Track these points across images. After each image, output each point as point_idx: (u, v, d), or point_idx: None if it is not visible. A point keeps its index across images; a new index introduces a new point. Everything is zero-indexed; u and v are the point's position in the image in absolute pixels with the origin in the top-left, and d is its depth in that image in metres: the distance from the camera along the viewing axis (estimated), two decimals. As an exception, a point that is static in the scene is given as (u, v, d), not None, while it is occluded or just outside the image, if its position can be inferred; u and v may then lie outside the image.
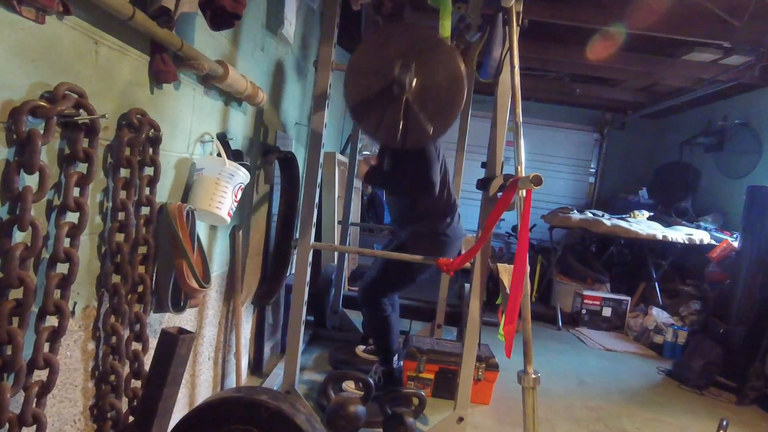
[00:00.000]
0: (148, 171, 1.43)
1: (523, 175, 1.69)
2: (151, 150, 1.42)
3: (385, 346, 2.80)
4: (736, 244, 4.21)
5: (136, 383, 1.48)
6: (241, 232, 2.28)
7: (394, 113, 1.79)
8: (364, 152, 4.55)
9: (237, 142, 2.13)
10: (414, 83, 1.79)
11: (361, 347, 3.22)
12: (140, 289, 1.45)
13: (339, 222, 3.77)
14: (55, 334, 1.11)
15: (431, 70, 1.83)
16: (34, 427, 1.08)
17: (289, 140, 2.96)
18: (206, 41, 1.73)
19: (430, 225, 2.60)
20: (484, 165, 2.23)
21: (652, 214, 5.41)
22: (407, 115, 1.79)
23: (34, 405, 1.07)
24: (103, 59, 1.22)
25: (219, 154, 1.76)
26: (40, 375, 1.09)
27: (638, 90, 5.85)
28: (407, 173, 2.47)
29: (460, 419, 2.14)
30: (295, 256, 2.27)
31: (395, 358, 2.86)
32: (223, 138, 1.89)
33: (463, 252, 2.43)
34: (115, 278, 1.36)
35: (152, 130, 1.41)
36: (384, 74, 1.82)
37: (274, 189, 2.73)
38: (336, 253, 3.66)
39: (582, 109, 6.92)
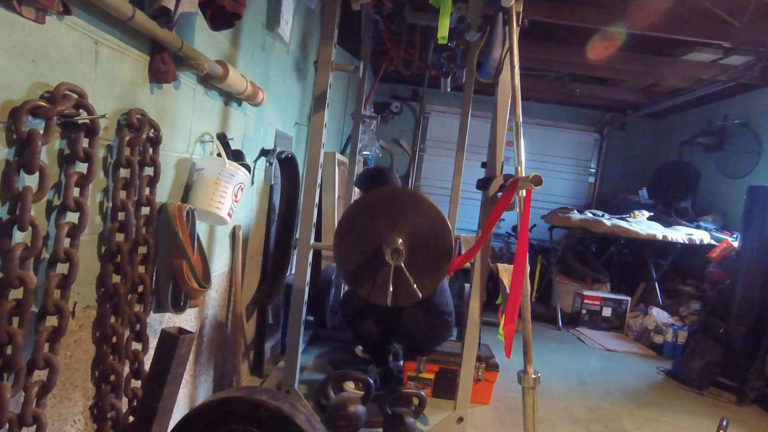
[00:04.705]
0: (148, 171, 1.43)
1: (523, 175, 1.69)
2: (151, 150, 1.42)
3: (372, 350, 2.81)
4: (736, 244, 4.21)
5: (136, 383, 1.48)
6: (241, 232, 2.28)
7: (384, 278, 1.93)
8: (364, 152, 4.56)
9: (237, 142, 2.13)
10: (402, 258, 1.90)
11: (361, 347, 3.22)
12: (140, 289, 1.45)
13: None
14: (55, 334, 1.11)
15: (417, 227, 1.95)
16: (34, 427, 1.08)
17: (289, 140, 2.96)
18: (206, 41, 1.73)
19: None
20: (484, 165, 2.23)
21: (652, 214, 5.41)
22: (397, 278, 1.92)
23: (34, 405, 1.07)
24: (103, 59, 1.22)
25: (219, 154, 1.76)
26: (40, 375, 1.09)
27: (638, 90, 5.85)
28: None
29: (460, 419, 2.14)
30: (295, 256, 2.27)
31: (389, 356, 2.86)
32: (223, 138, 1.89)
33: (463, 252, 2.43)
34: (115, 278, 1.36)
35: (152, 130, 1.41)
36: (372, 240, 1.95)
37: (274, 189, 2.73)
38: (336, 253, 3.66)
39: (582, 109, 6.92)
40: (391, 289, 1.91)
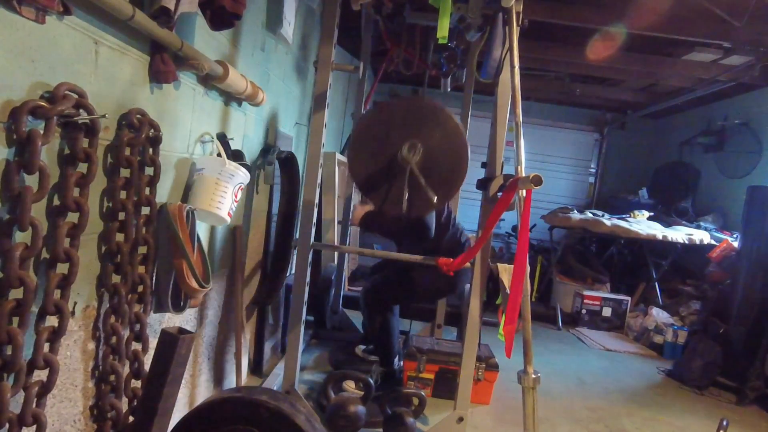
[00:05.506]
0: (148, 171, 1.43)
1: (523, 175, 1.69)
2: (151, 150, 1.42)
3: (385, 347, 2.80)
4: (736, 244, 4.21)
5: (136, 383, 1.48)
6: (241, 232, 2.28)
7: (399, 186, 1.86)
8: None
9: (237, 142, 2.13)
10: (417, 155, 1.86)
11: (361, 347, 3.22)
12: (140, 289, 1.45)
13: (339, 222, 3.77)
14: (55, 334, 1.11)
15: (434, 139, 1.90)
16: (34, 427, 1.08)
17: (289, 140, 2.96)
18: (206, 41, 1.73)
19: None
20: (484, 165, 2.23)
21: (652, 214, 5.41)
22: (412, 185, 1.85)
23: (34, 405, 1.07)
24: (103, 59, 1.22)
25: (219, 154, 1.76)
26: (40, 375, 1.09)
27: (638, 90, 5.85)
28: (402, 219, 2.51)
29: (460, 419, 2.14)
30: (295, 256, 2.27)
31: (395, 359, 2.86)
32: (223, 138, 1.89)
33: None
34: (115, 278, 1.36)
35: (152, 130, 1.41)
36: (388, 148, 1.90)
37: (274, 189, 2.73)
38: (336, 253, 3.66)
39: (582, 109, 6.92)
40: (406, 195, 1.83)
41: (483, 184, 2.12)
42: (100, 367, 1.37)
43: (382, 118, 1.96)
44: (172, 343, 1.25)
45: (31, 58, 1.01)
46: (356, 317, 3.61)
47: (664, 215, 5.51)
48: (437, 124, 1.91)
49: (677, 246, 4.87)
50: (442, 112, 1.95)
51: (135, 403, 1.46)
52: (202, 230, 1.85)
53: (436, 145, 1.90)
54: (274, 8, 2.37)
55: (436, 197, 1.87)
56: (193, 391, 2.04)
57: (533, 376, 1.63)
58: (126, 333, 1.42)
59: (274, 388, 2.38)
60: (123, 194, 1.34)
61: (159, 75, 1.42)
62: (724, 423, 2.27)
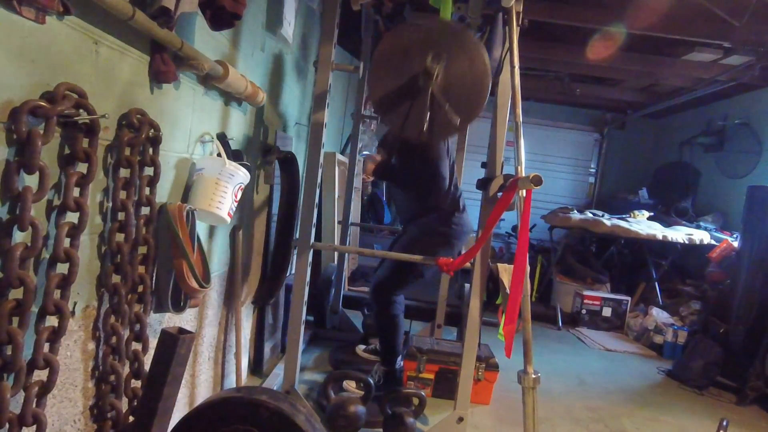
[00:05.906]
0: (148, 171, 1.43)
1: (523, 175, 1.69)
2: (151, 150, 1.42)
3: (390, 345, 2.80)
4: (736, 244, 4.21)
5: (136, 383, 1.48)
6: (241, 232, 2.28)
7: (420, 106, 1.78)
8: (364, 152, 4.56)
9: (237, 142, 2.13)
10: (439, 76, 1.79)
11: (361, 347, 3.22)
12: (140, 289, 1.45)
13: (339, 222, 3.77)
14: (55, 334, 1.11)
15: (456, 62, 1.83)
16: (34, 427, 1.08)
17: (289, 140, 2.96)
18: (206, 41, 1.73)
19: (438, 218, 2.65)
20: (484, 165, 2.23)
21: (652, 214, 5.41)
22: (433, 107, 1.79)
23: (34, 405, 1.07)
24: (103, 59, 1.22)
25: (219, 154, 1.76)
26: (40, 375, 1.09)
27: (638, 90, 5.85)
28: (416, 166, 2.51)
29: (460, 419, 2.14)
30: (295, 256, 2.27)
31: (398, 358, 2.86)
32: (223, 138, 1.89)
33: (464, 251, 2.44)
34: (115, 278, 1.36)
35: (152, 130, 1.41)
36: (409, 67, 1.83)
37: (274, 189, 2.73)
38: (336, 253, 3.66)
39: (582, 109, 6.92)
40: (428, 114, 1.75)
41: (483, 184, 2.12)
42: (100, 367, 1.37)
43: (404, 38, 1.88)
44: (172, 343, 1.25)
45: (31, 58, 1.01)
46: (356, 317, 3.61)
47: (664, 215, 5.51)
48: (460, 46, 1.84)
49: (677, 246, 4.87)
50: (466, 34, 1.89)
51: (135, 403, 1.46)
52: (202, 230, 1.85)
53: (458, 66, 1.83)
54: (274, 8, 2.37)
55: (458, 120, 1.80)
56: (193, 391, 2.04)
57: (533, 376, 1.63)
58: (126, 333, 1.42)
59: (274, 388, 2.38)
60: (123, 194, 1.34)
61: (159, 75, 1.42)
62: (724, 423, 2.27)
